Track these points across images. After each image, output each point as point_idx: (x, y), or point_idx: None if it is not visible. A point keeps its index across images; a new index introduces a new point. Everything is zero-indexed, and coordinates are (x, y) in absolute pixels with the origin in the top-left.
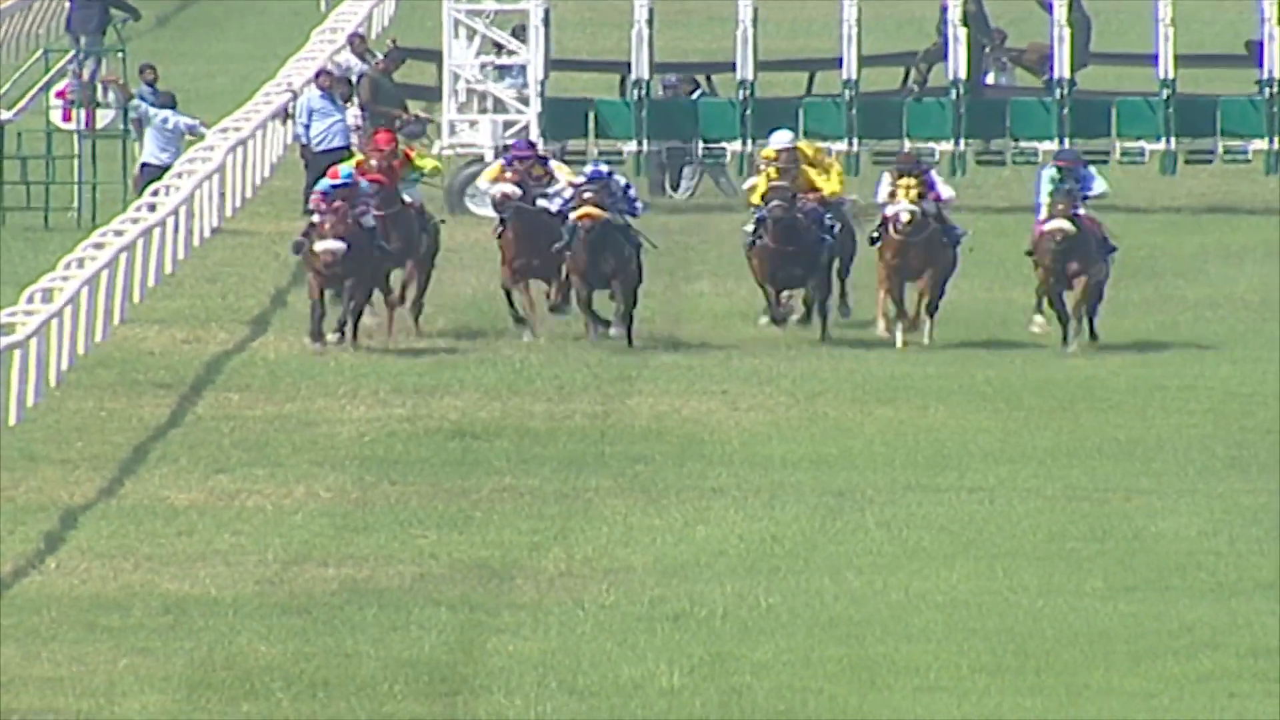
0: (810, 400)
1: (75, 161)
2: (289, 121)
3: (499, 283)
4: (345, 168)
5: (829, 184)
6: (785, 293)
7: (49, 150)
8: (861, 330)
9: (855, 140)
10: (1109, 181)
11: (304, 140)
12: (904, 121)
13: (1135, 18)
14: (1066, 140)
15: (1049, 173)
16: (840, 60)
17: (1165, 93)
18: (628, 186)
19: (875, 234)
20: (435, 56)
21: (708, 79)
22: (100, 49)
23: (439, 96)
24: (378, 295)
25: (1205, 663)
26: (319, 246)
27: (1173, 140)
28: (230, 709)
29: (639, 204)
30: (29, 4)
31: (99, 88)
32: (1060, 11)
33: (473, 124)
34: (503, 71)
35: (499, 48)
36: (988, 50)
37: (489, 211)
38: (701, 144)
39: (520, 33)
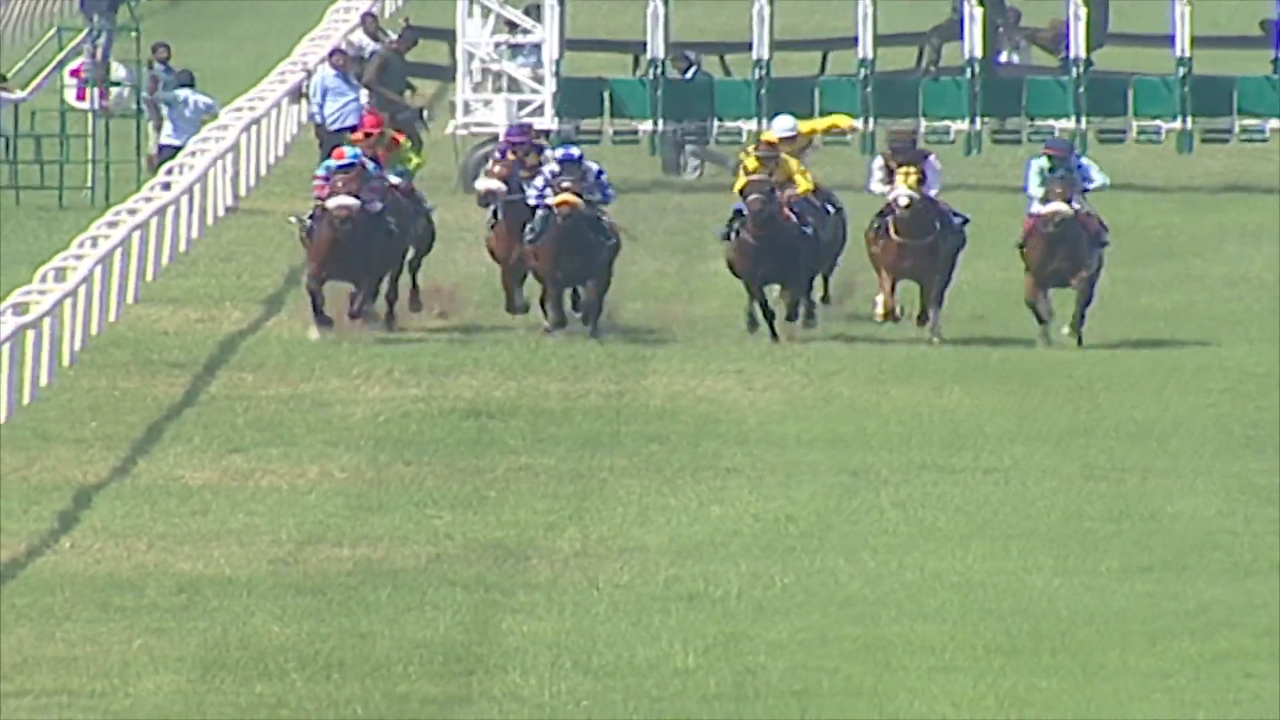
0: (825, 380)
1: (89, 140)
2: (303, 100)
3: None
4: (351, 149)
5: (805, 182)
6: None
7: (63, 129)
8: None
9: (871, 119)
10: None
11: (318, 119)
12: (920, 101)
13: None
14: (1083, 119)
15: (1039, 163)
16: (856, 39)
17: (1182, 71)
18: (600, 172)
19: (876, 225)
20: (449, 36)
21: (721, 58)
22: (114, 27)
23: (453, 76)
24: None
25: (1221, 643)
26: (332, 202)
27: (1189, 119)
28: (244, 689)
29: (611, 190)
30: None
31: (112, 66)
32: None
33: (487, 103)
34: (516, 50)
35: (513, 27)
36: (1001, 29)
37: None
38: (717, 123)
39: (535, 12)
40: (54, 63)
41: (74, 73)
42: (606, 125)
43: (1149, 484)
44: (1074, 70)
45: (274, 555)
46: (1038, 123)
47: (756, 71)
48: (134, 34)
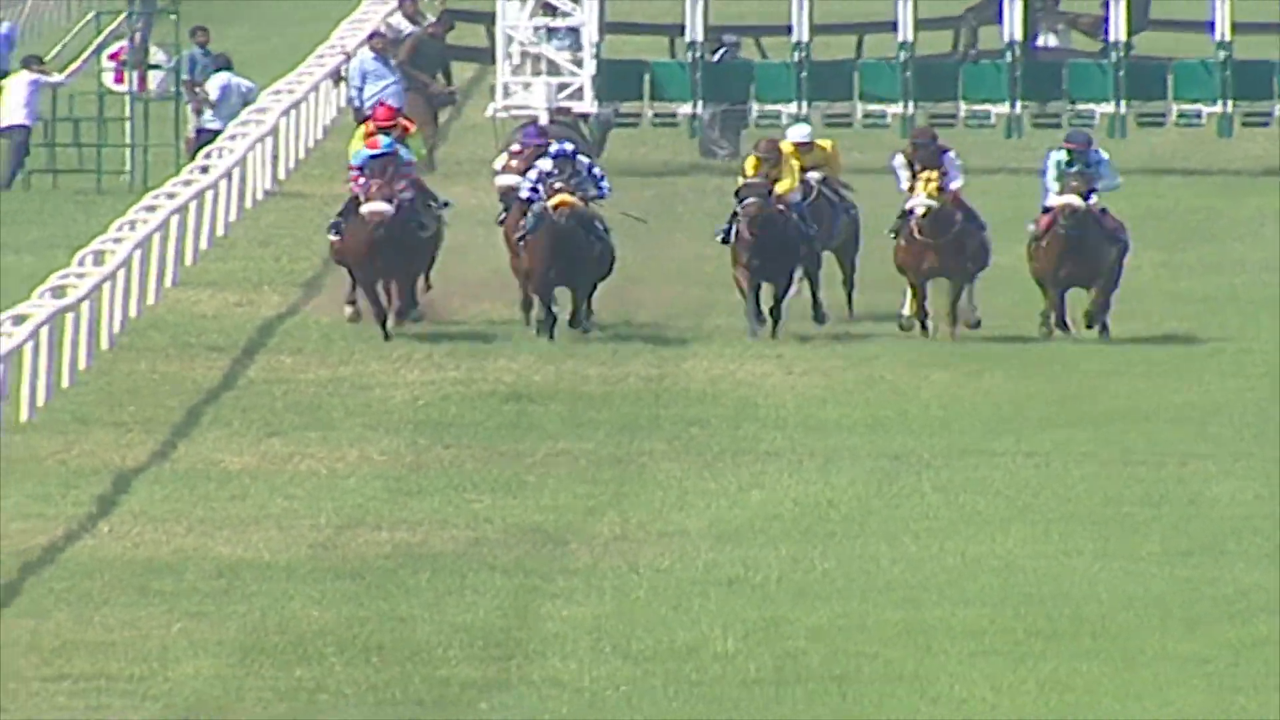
0: (866, 364)
1: (127, 124)
2: (342, 84)
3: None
4: (385, 137)
5: (789, 181)
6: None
7: (101, 113)
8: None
9: (910, 103)
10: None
11: (357, 103)
12: (959, 84)
13: None
14: (1123, 102)
15: (1057, 155)
16: (895, 24)
17: (1222, 55)
18: (591, 166)
19: (898, 228)
20: (487, 19)
21: (756, 41)
22: (153, 11)
23: (492, 59)
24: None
25: (1261, 627)
26: (366, 208)
27: (1230, 103)
28: (283, 674)
29: (606, 184)
30: None
31: (151, 50)
32: None
33: (526, 86)
34: (555, 33)
35: (552, 9)
36: (1041, 12)
37: None
38: (756, 106)
39: None
40: (92, 46)
41: (113, 56)
42: (646, 108)
43: (1188, 468)
44: (1114, 54)
45: (313, 539)
46: (1078, 106)
47: (796, 55)
48: (173, 17)
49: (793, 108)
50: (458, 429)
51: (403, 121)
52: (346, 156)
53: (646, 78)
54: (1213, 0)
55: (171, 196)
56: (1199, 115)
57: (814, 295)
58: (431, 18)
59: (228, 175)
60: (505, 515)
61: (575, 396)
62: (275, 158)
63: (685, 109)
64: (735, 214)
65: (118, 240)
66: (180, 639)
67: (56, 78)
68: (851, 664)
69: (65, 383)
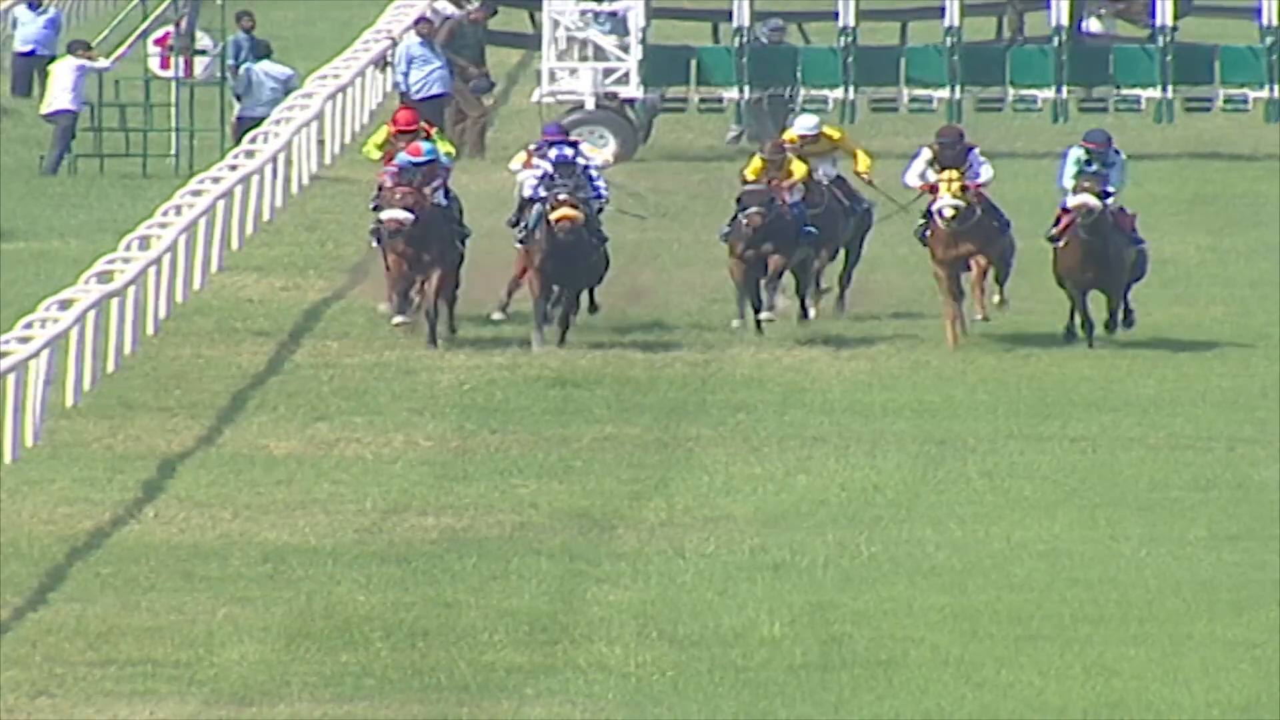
0: (912, 349)
1: (173, 109)
2: (388, 69)
3: None
4: (427, 144)
5: (800, 169)
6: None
7: (147, 98)
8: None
9: (957, 88)
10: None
11: (403, 88)
12: (1006, 69)
13: None
14: (1170, 88)
15: (1076, 154)
16: (942, 9)
17: (1269, 40)
18: (588, 168)
19: (923, 228)
20: (531, 4)
21: (799, 27)
22: None
23: (538, 44)
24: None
25: None
26: (385, 214)
27: (1276, 88)
28: (329, 658)
29: (604, 188)
30: None
31: (197, 35)
32: None
33: (572, 72)
34: (601, 18)
35: None
36: None
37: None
38: (803, 91)
39: None
40: (138, 31)
41: (159, 41)
42: (693, 93)
43: (1236, 453)
44: (1161, 39)
45: (359, 524)
46: (1124, 91)
47: (842, 39)
48: (219, 2)
49: (839, 93)
50: (504, 414)
51: (424, 125)
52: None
53: (693, 63)
54: None
55: (217, 181)
56: (1245, 100)
57: (800, 295)
58: (475, 3)
59: (273, 160)
60: (551, 500)
61: (621, 381)
62: (321, 143)
63: (731, 94)
64: (735, 217)
65: (163, 225)
66: (226, 624)
67: (102, 63)
68: (898, 649)
69: (111, 368)
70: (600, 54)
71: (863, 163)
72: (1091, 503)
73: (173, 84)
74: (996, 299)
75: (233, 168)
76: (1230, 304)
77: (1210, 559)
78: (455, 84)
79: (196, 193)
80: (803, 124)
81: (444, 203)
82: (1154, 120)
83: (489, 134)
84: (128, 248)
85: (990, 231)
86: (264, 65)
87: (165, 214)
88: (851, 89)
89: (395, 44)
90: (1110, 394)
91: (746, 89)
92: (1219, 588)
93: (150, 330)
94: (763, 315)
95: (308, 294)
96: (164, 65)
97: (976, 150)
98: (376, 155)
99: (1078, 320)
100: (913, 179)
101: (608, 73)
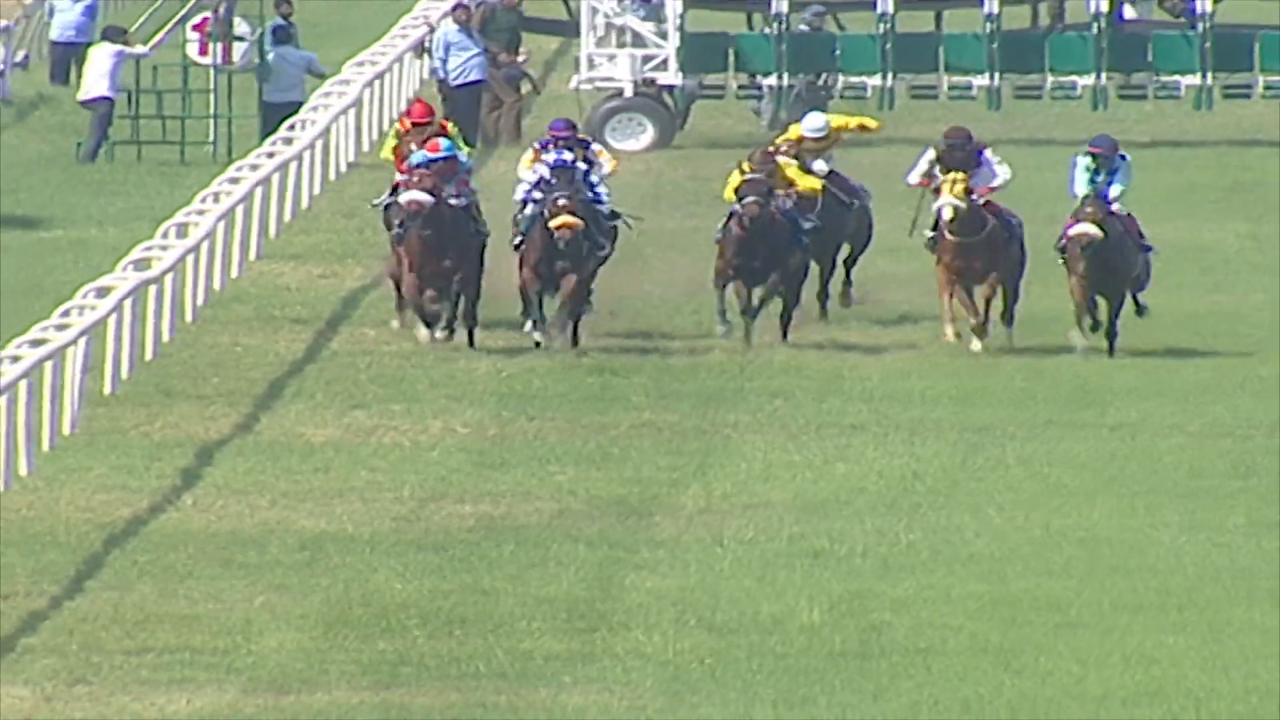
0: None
1: (211, 96)
2: (425, 56)
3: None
4: (445, 140)
5: (806, 181)
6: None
7: (185, 84)
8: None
9: (996, 75)
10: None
11: (441, 75)
12: (1045, 56)
13: None
14: (1209, 74)
15: (1084, 161)
16: None
17: None
18: (587, 173)
19: (931, 236)
20: None
21: (834, 16)
22: None
23: (575, 31)
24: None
25: None
26: (404, 196)
27: None
28: (366, 646)
29: (603, 192)
30: None
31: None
32: None
33: (611, 58)
34: (640, 5)
35: None
36: None
37: (630, 145)
38: (841, 78)
39: None
40: (176, 18)
41: (197, 28)
42: (731, 80)
43: (1275, 440)
44: (1201, 25)
45: (396, 512)
46: (1163, 78)
47: (881, 26)
48: None
49: (877, 80)
50: (542, 401)
51: (440, 121)
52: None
53: (731, 50)
54: None
55: (255, 168)
56: None
57: (785, 309)
58: None
59: (311, 147)
60: (589, 487)
61: (660, 368)
62: (359, 129)
63: (770, 81)
64: (732, 213)
65: (201, 212)
66: (263, 612)
67: (140, 49)
68: (936, 637)
69: (149, 355)
70: (638, 40)
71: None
72: (1131, 490)
73: (211, 70)
74: (1002, 319)
75: (271, 155)
76: (1269, 291)
77: (1250, 546)
78: (491, 71)
79: (234, 180)
80: (810, 124)
81: (461, 202)
82: (1193, 107)
83: (526, 121)
84: (165, 235)
85: (1000, 250)
86: (284, 49)
87: (203, 201)
88: (890, 76)
89: (433, 30)
90: (1149, 381)
91: (785, 76)
92: (1258, 575)
93: (188, 318)
94: (752, 339)
95: (345, 281)
96: (202, 51)
97: (989, 151)
98: (391, 157)
99: (1086, 324)
100: (915, 179)
101: (646, 59)
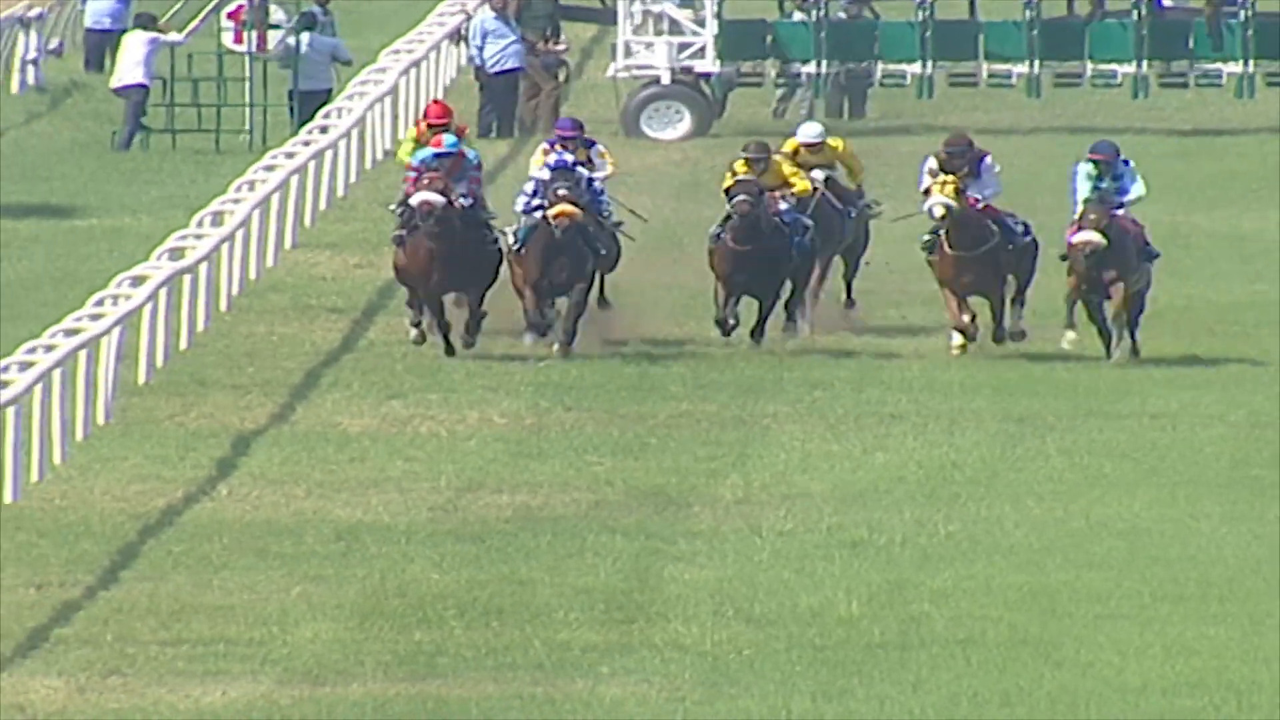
0: (990, 326)
1: (246, 84)
2: (462, 43)
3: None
4: (450, 136)
5: (802, 182)
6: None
7: (220, 73)
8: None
9: (1036, 63)
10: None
11: (478, 62)
12: (1085, 44)
13: None
14: (1250, 62)
15: (1086, 168)
16: None
17: None
18: (591, 180)
19: (928, 241)
20: None
21: (869, 6)
22: None
23: (612, 19)
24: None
25: None
26: (416, 198)
27: None
28: (403, 637)
29: (604, 199)
30: None
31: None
32: None
33: (648, 46)
34: None
35: None
36: None
37: (667, 133)
38: (881, 66)
39: None
40: (211, 6)
41: (231, 15)
42: (769, 67)
43: None
44: (1243, 12)
45: (433, 502)
46: (1204, 65)
47: (920, 14)
48: None
49: (916, 67)
50: (579, 391)
51: (458, 123)
52: (469, 116)
53: (769, 37)
54: None
55: (290, 157)
56: None
57: (788, 306)
58: None
59: (347, 135)
60: (627, 478)
61: (698, 358)
62: (395, 118)
63: (809, 68)
64: (728, 216)
65: (236, 201)
66: (299, 602)
67: (174, 37)
68: (976, 628)
69: (184, 345)
70: (676, 28)
71: (855, 178)
72: (1171, 480)
73: (246, 58)
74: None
75: (306, 143)
76: None
77: None
78: (529, 59)
79: (269, 168)
80: (806, 132)
81: (472, 204)
82: (1234, 95)
83: (564, 108)
84: (200, 224)
85: (1000, 265)
86: (309, 37)
87: (238, 190)
88: (929, 64)
89: (469, 18)
90: (1190, 371)
91: (824, 64)
92: None
93: (223, 307)
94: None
95: (382, 271)
96: (237, 40)
97: (989, 159)
98: (408, 160)
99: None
100: (925, 186)
101: (683, 47)
